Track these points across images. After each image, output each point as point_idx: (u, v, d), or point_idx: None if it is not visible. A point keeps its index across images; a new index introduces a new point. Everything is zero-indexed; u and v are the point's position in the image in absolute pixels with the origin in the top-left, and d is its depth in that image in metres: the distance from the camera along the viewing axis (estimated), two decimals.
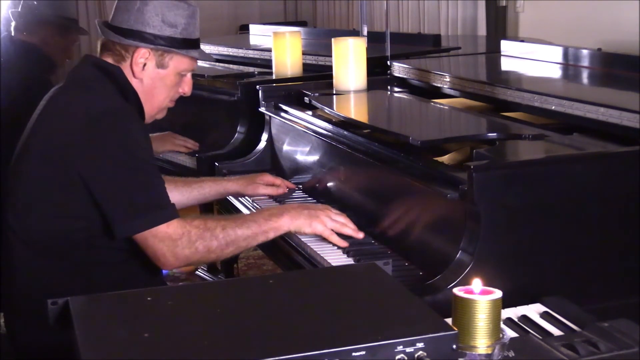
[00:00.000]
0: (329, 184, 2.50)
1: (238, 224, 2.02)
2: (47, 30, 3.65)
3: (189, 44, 2.15)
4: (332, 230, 2.09)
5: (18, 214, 2.05)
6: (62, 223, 2.01)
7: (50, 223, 2.02)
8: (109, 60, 2.13)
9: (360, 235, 2.11)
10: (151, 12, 2.09)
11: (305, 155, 2.70)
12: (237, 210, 2.56)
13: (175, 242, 1.95)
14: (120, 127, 1.99)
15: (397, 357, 1.20)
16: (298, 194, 2.62)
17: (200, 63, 3.96)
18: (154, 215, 1.95)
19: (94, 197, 1.97)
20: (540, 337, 1.47)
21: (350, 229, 2.11)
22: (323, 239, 2.11)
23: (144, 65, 2.12)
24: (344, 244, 2.07)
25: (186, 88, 2.23)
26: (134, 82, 2.13)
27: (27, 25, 3.62)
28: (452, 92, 2.65)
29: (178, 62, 2.15)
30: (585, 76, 2.69)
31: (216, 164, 2.98)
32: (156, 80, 2.15)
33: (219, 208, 2.82)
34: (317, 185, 2.58)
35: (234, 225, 2.01)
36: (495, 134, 2.07)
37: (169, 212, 1.97)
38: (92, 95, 2.05)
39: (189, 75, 2.22)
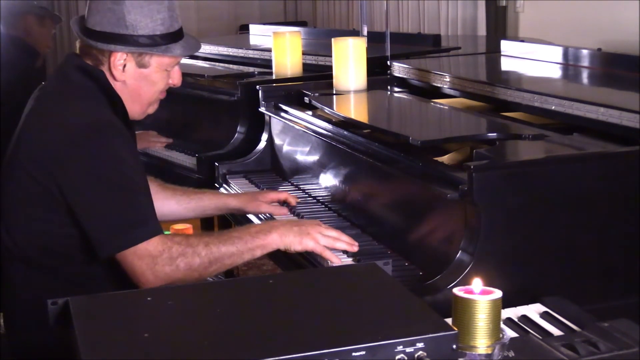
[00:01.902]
0: (329, 184, 2.50)
1: (222, 241, 1.93)
2: (27, 21, 3.69)
3: (169, 38, 2.03)
4: (325, 246, 1.97)
5: (9, 230, 1.99)
6: (52, 240, 1.95)
7: (40, 240, 1.96)
8: (88, 62, 2.03)
9: (355, 248, 2.02)
10: (123, 11, 1.96)
11: (305, 155, 2.70)
12: (247, 220, 2.49)
13: (155, 259, 1.86)
14: (104, 142, 1.90)
15: (397, 357, 1.20)
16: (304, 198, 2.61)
17: (201, 63, 3.97)
18: (134, 233, 1.86)
19: (74, 214, 1.90)
20: (540, 337, 1.47)
21: (343, 242, 2.00)
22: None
23: (124, 66, 2.02)
24: (337, 260, 1.97)
25: (175, 79, 2.11)
26: (117, 85, 2.04)
27: (7, 18, 3.65)
28: (452, 92, 2.65)
29: (159, 59, 2.04)
30: (585, 76, 2.69)
31: (216, 164, 2.98)
32: (140, 80, 2.04)
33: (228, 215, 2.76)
34: (319, 186, 2.58)
35: (217, 242, 1.92)
36: (495, 134, 2.06)
37: (150, 228, 1.88)
38: (77, 106, 1.96)
39: (176, 67, 2.11)
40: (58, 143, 1.91)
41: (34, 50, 3.71)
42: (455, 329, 1.26)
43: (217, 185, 2.94)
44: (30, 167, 1.93)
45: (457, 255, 1.75)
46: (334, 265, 1.96)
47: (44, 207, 1.94)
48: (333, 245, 1.99)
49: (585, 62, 2.71)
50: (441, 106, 2.54)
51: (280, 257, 2.26)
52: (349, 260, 2.01)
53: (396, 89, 2.90)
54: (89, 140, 1.90)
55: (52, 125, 1.94)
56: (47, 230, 1.96)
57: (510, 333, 1.51)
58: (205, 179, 3.07)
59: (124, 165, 1.92)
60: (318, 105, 2.65)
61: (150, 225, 1.90)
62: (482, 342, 1.29)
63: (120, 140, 1.94)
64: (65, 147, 1.90)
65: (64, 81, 2.05)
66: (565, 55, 2.80)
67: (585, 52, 2.73)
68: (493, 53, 3.35)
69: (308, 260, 2.09)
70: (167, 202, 2.30)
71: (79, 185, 1.90)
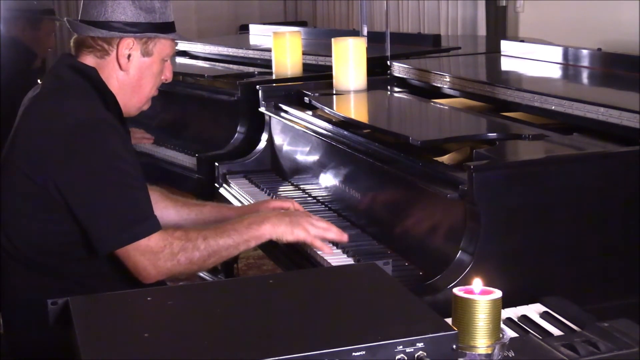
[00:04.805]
0: (329, 184, 2.50)
1: (219, 234, 1.97)
2: (20, 25, 3.70)
3: (168, 28, 2.09)
4: (316, 236, 2.04)
5: (7, 232, 2.00)
6: (50, 240, 1.96)
7: (39, 240, 1.97)
8: (89, 58, 2.06)
9: (344, 238, 2.07)
10: (124, 0, 2.02)
11: (305, 155, 2.70)
12: None
13: (157, 254, 1.90)
14: (99, 139, 1.92)
15: (397, 357, 1.20)
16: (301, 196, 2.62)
17: (201, 63, 3.97)
18: (135, 230, 1.88)
19: (72, 213, 1.91)
20: (540, 337, 1.47)
21: (333, 233, 2.06)
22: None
23: (129, 56, 2.05)
24: (328, 249, 2.04)
25: (168, 74, 2.16)
26: (120, 77, 2.07)
27: (5, 19, 3.66)
28: (452, 92, 2.65)
29: (162, 47, 2.09)
30: (585, 76, 2.69)
31: (216, 164, 2.98)
32: (143, 70, 2.08)
33: None
34: (319, 186, 2.58)
35: (215, 235, 1.96)
36: (495, 134, 2.07)
37: (150, 224, 1.91)
38: (71, 105, 1.97)
39: (169, 61, 2.16)
40: (53, 142, 1.91)
41: (31, 52, 3.71)
42: (455, 329, 1.26)
43: (217, 185, 2.94)
44: (26, 168, 1.94)
45: (457, 255, 1.75)
46: (325, 255, 2.02)
47: (41, 207, 1.94)
48: (323, 235, 2.06)
49: (585, 62, 2.71)
50: (441, 106, 2.54)
51: (280, 257, 2.27)
52: (349, 260, 2.01)
53: (396, 89, 2.90)
54: (84, 138, 1.91)
55: (47, 125, 1.95)
56: (45, 230, 1.96)
57: (510, 333, 1.51)
58: (205, 179, 3.07)
59: (121, 162, 1.93)
60: (318, 105, 2.65)
61: (149, 221, 1.92)
62: (482, 342, 1.29)
63: (116, 136, 1.96)
64: (61, 146, 1.91)
65: (57, 81, 2.07)
66: (565, 55, 2.80)
67: (585, 52, 2.73)
68: (493, 53, 3.35)
69: (308, 260, 2.09)
70: (166, 212, 2.31)
71: (77, 184, 1.91)
